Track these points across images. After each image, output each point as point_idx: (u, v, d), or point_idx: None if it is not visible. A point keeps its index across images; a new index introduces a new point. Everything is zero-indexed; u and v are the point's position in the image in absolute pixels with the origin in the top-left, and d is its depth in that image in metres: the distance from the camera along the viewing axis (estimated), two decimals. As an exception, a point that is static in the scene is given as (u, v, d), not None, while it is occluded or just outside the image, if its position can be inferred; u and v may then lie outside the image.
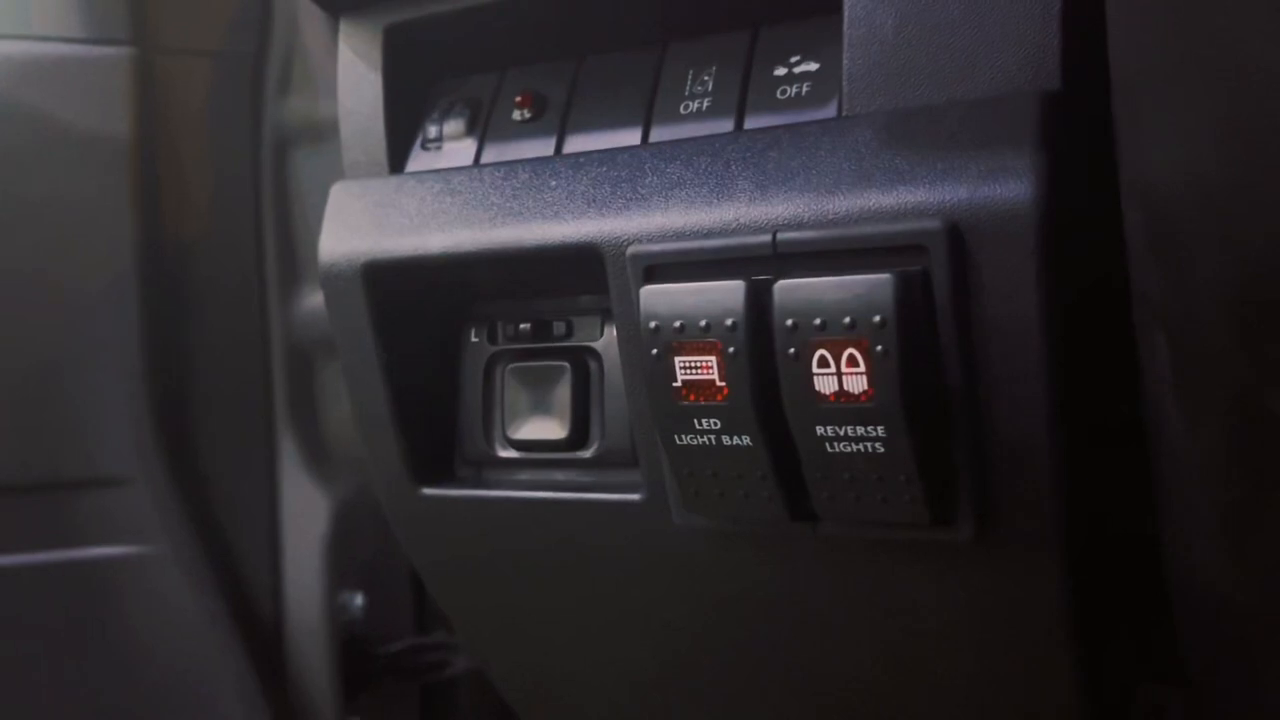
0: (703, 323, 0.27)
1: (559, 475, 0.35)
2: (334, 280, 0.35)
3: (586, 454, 0.34)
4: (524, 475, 0.35)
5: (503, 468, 0.36)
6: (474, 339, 0.36)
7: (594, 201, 0.31)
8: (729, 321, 0.27)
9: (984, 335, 0.25)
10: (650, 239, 0.29)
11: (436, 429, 0.37)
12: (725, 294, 0.27)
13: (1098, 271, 0.26)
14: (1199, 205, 0.20)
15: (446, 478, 0.36)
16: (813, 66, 0.31)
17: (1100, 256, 0.25)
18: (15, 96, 0.52)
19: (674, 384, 0.28)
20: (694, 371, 0.27)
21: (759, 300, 0.26)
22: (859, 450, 0.26)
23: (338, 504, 0.57)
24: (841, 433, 0.26)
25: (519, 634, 0.39)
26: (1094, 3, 0.24)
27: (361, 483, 0.58)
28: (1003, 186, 0.25)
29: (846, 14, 0.28)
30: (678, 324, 0.28)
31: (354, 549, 0.57)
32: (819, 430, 0.26)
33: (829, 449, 0.26)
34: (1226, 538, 0.23)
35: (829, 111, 0.30)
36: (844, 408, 0.25)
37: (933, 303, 0.25)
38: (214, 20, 0.56)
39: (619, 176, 0.31)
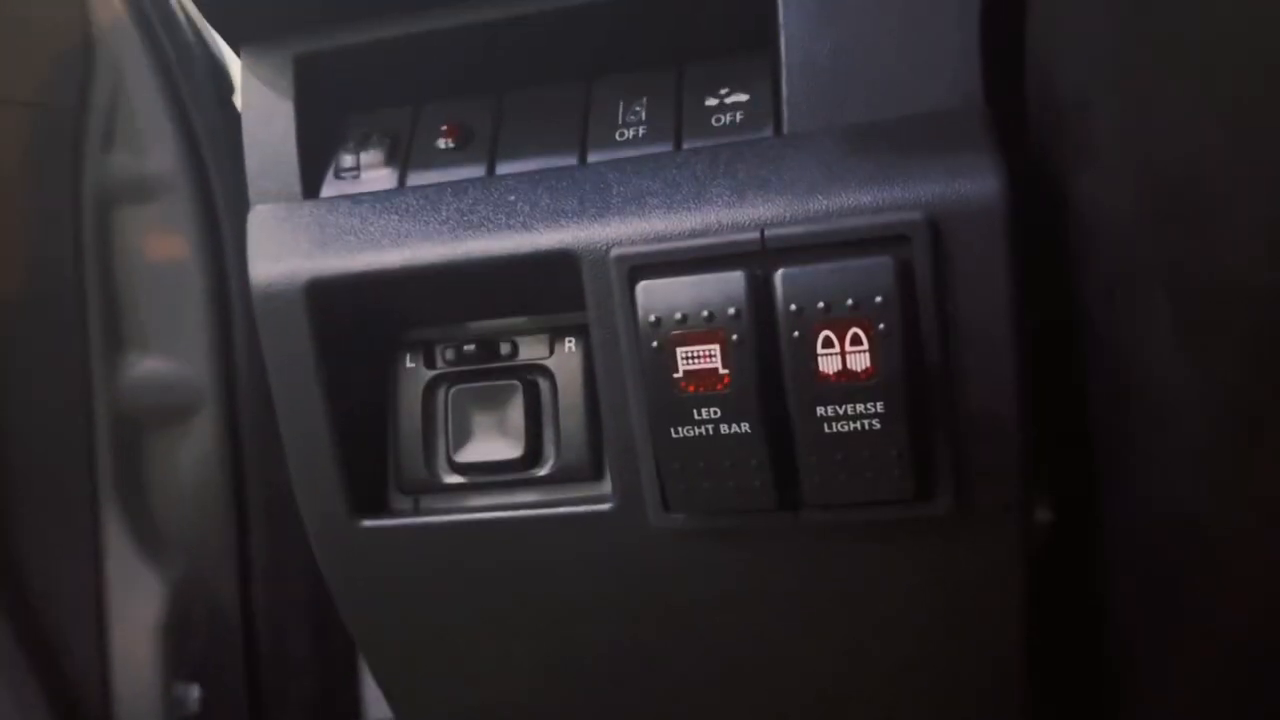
0: (705, 313, 0.28)
1: (514, 496, 0.34)
2: (271, 302, 0.34)
3: (542, 472, 0.34)
4: (472, 500, 0.35)
5: (447, 493, 0.35)
6: (409, 364, 0.35)
7: (563, 212, 0.32)
8: (731, 310, 0.28)
9: (961, 316, 0.28)
10: (630, 243, 0.31)
11: (371, 459, 0.35)
12: (727, 284, 0.28)
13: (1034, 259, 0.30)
14: (1200, 179, 0.24)
15: (384, 509, 0.35)
16: (743, 98, 0.33)
17: (1034, 246, 0.29)
18: None
19: (675, 375, 0.29)
20: (696, 361, 0.29)
21: (759, 289, 0.28)
22: (856, 428, 0.28)
23: (170, 587, 0.52)
24: (841, 411, 0.28)
25: (463, 666, 0.37)
26: (1014, 22, 0.28)
27: (195, 564, 0.54)
28: (973, 184, 0.28)
29: (784, 44, 0.31)
30: (679, 315, 0.29)
31: (188, 636, 0.53)
32: (819, 410, 0.28)
33: (826, 429, 0.28)
34: (1226, 473, 0.27)
35: (766, 136, 0.32)
36: (845, 386, 0.27)
37: (915, 288, 0.28)
38: (32, 71, 0.53)
39: (584, 189, 0.32)
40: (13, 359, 0.50)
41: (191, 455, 0.54)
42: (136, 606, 0.51)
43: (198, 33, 0.58)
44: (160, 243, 0.55)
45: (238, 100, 0.61)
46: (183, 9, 0.57)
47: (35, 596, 0.49)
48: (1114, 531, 0.31)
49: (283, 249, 0.34)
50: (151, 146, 0.55)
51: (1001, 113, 0.30)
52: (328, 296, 0.34)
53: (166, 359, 0.54)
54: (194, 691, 0.52)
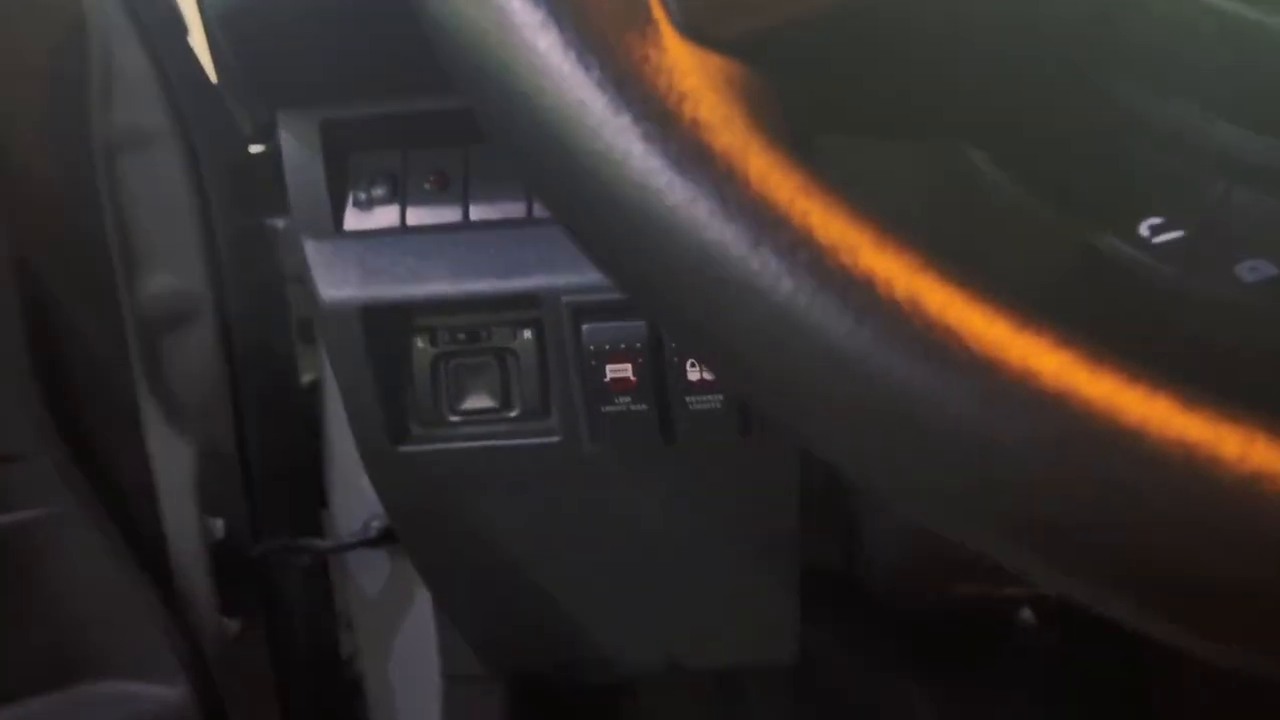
0: (623, 345, 0.47)
1: (495, 428, 0.53)
2: (337, 314, 0.50)
3: (511, 414, 0.53)
4: (468, 430, 0.54)
5: (451, 427, 0.54)
6: (420, 345, 0.53)
7: (526, 262, 0.49)
8: (638, 344, 0.47)
9: None
10: (574, 292, 0.49)
11: (400, 409, 0.53)
12: (637, 328, 0.47)
13: None
14: None
15: (412, 439, 0.54)
16: None
17: None
18: None
19: (604, 379, 0.48)
20: (618, 371, 0.48)
21: (654, 331, 0.47)
22: (708, 407, 0.48)
23: (193, 448, 0.70)
24: (700, 400, 0.48)
25: (462, 547, 0.58)
26: None
27: (206, 431, 0.71)
28: None
29: None
30: (607, 346, 0.47)
31: (207, 484, 0.71)
32: (688, 399, 0.48)
33: (691, 407, 0.48)
34: None
35: None
36: (703, 384, 0.47)
37: None
38: (43, 45, 0.64)
39: (538, 243, 0.49)
40: (62, 287, 0.64)
41: (197, 349, 0.71)
42: (171, 463, 0.69)
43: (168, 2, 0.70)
44: (156, 182, 0.69)
45: (193, 42, 0.73)
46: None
47: (101, 459, 0.65)
48: None
49: (344, 279, 0.50)
50: (141, 103, 0.67)
51: None
52: (373, 313, 0.50)
53: (170, 275, 0.69)
54: (219, 523, 0.71)
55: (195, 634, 0.68)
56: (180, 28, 0.70)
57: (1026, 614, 1.02)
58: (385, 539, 0.76)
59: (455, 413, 0.52)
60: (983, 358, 0.17)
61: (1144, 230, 0.24)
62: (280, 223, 0.76)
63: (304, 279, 0.56)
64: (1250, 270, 0.24)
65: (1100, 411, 0.17)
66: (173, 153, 0.68)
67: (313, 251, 0.50)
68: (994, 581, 0.69)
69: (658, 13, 0.21)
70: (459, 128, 0.49)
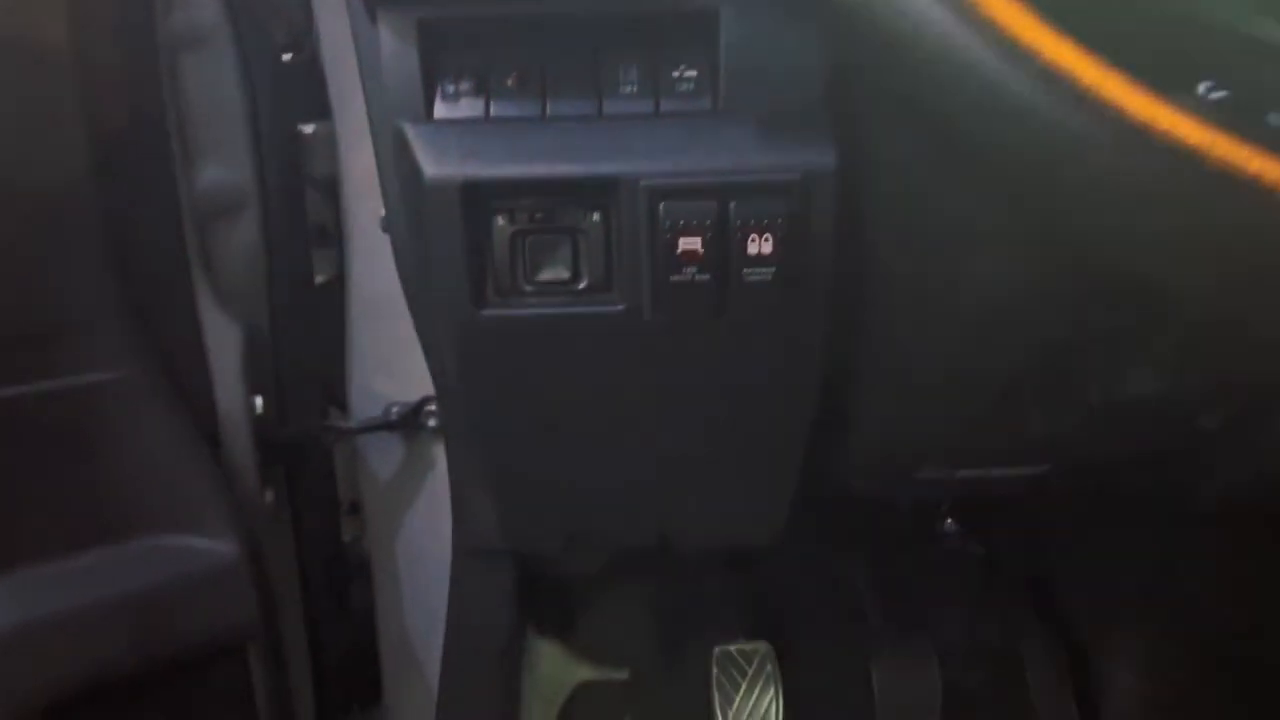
0: (695, 221, 0.56)
1: (563, 298, 0.61)
2: (440, 187, 0.56)
3: (580, 286, 0.61)
4: (540, 299, 0.61)
5: (525, 296, 0.61)
6: (500, 223, 0.60)
7: (601, 150, 0.57)
8: (708, 220, 0.56)
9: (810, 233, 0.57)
10: (653, 176, 0.57)
11: (481, 274, 0.60)
12: (706, 207, 0.55)
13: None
14: None
15: (491, 304, 0.61)
16: (693, 73, 0.59)
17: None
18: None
19: (676, 251, 0.56)
20: (689, 244, 0.56)
21: (723, 208, 0.56)
22: (760, 279, 0.57)
23: (239, 330, 0.76)
24: (754, 272, 0.57)
25: (517, 411, 0.65)
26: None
27: (250, 313, 0.77)
28: (821, 159, 0.56)
29: (722, 48, 0.56)
30: (681, 222, 0.56)
31: (250, 363, 0.77)
32: (744, 270, 0.57)
33: (745, 279, 0.57)
34: None
35: (704, 103, 0.59)
36: (759, 257, 0.56)
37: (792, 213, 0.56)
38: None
39: (628, 134, 0.57)
40: (129, 173, 0.69)
41: (242, 239, 0.76)
42: (221, 341, 0.74)
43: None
44: (211, 80, 0.74)
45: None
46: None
47: (163, 332, 0.71)
48: None
49: (444, 159, 0.56)
50: (199, 3, 0.72)
51: (835, 110, 0.57)
52: (467, 190, 0.57)
53: (221, 167, 0.75)
54: (259, 400, 0.77)
55: (240, 498, 0.74)
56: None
57: (950, 524, 1.15)
58: (403, 424, 0.83)
59: (530, 283, 0.59)
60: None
61: (1200, 89, 0.34)
62: (309, 128, 0.81)
63: (384, 166, 0.63)
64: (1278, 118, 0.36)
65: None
66: (224, 52, 0.73)
67: (413, 135, 0.56)
68: (951, 467, 0.80)
69: None
70: (537, 33, 0.56)
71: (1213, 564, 0.96)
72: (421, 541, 0.87)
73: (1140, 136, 0.28)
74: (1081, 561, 1.07)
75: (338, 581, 0.91)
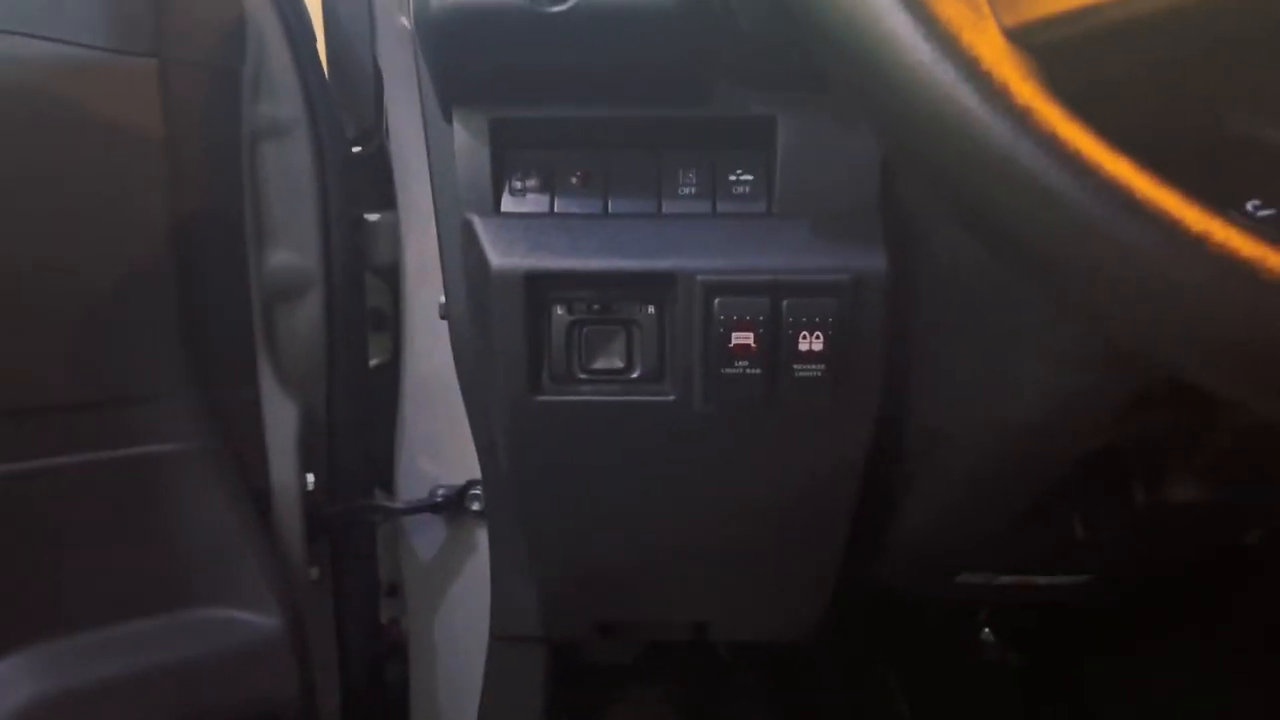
0: (748, 316, 0.58)
1: (616, 387, 0.63)
2: (504, 278, 0.59)
3: (633, 376, 0.63)
4: (594, 387, 0.63)
5: (580, 383, 0.63)
6: (559, 312, 0.62)
7: (658, 248, 0.59)
8: (761, 316, 0.58)
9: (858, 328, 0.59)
10: (705, 273, 0.59)
11: (538, 364, 0.63)
12: (758, 304, 0.57)
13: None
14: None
15: (547, 391, 0.63)
16: (749, 178, 0.61)
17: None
18: (62, 98, 0.66)
19: (729, 345, 0.58)
20: (741, 339, 0.58)
21: (775, 306, 0.58)
22: (811, 375, 0.58)
23: (298, 408, 0.78)
24: (805, 368, 0.58)
25: (565, 494, 0.66)
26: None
27: (307, 393, 0.80)
28: (870, 263, 0.58)
29: (780, 153, 0.59)
30: (735, 317, 0.58)
31: (305, 441, 0.79)
32: (794, 366, 0.58)
33: (796, 374, 0.59)
34: None
35: (759, 206, 0.61)
36: (806, 353, 0.58)
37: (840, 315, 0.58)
38: (208, 37, 0.73)
39: (685, 233, 0.59)
40: (206, 253, 0.72)
41: (305, 321, 0.79)
42: (279, 419, 0.76)
43: (304, 7, 0.79)
44: (287, 168, 0.78)
45: (320, 49, 0.83)
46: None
47: (225, 414, 0.73)
48: None
49: (510, 250, 0.59)
50: (283, 97, 0.76)
51: (887, 211, 0.59)
52: (530, 281, 0.60)
53: (290, 252, 0.78)
54: (310, 477, 0.79)
55: (287, 574, 0.75)
56: (311, 33, 0.80)
57: (987, 634, 1.14)
58: (448, 506, 0.84)
59: (584, 371, 0.61)
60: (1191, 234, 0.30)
61: (1249, 206, 0.36)
62: (374, 217, 0.85)
63: (447, 254, 0.66)
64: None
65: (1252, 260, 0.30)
66: (303, 144, 0.77)
67: (480, 226, 0.59)
68: (992, 572, 0.80)
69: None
70: (602, 134, 0.59)
71: (1260, 687, 0.94)
72: (459, 624, 0.87)
73: (1195, 248, 0.29)
74: (1122, 677, 1.05)
75: (374, 660, 0.92)
